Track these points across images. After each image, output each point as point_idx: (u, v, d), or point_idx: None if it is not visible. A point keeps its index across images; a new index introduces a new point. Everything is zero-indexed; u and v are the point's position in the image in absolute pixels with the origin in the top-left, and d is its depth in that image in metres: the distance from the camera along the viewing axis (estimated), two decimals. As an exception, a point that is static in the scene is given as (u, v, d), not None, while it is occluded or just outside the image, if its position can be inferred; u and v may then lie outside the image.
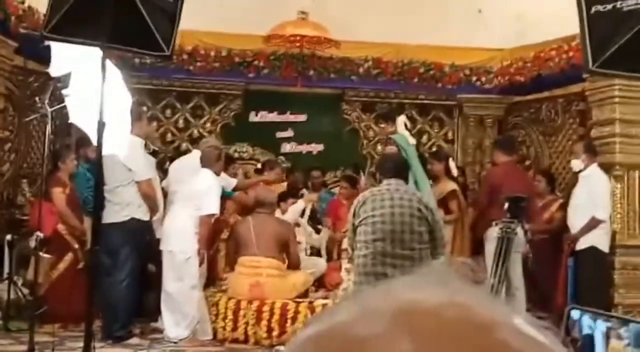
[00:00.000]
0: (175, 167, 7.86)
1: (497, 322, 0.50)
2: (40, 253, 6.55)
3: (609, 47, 5.01)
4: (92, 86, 4.93)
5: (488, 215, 7.63)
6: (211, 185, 7.09)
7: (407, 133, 7.81)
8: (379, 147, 10.48)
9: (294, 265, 7.55)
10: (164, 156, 9.88)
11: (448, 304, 0.51)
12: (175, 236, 7.02)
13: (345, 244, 8.22)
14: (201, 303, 7.11)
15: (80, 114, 5.57)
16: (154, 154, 8.60)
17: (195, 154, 7.79)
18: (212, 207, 7.09)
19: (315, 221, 9.12)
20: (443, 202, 7.42)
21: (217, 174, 7.33)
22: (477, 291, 0.53)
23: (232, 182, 8.11)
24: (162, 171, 8.53)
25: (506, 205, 4.78)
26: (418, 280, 0.54)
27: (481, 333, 0.49)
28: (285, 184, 9.28)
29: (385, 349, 0.47)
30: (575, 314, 1.40)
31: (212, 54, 10.08)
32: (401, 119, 7.95)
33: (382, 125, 8.16)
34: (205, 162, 7.28)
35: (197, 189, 7.03)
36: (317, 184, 9.71)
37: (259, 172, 9.27)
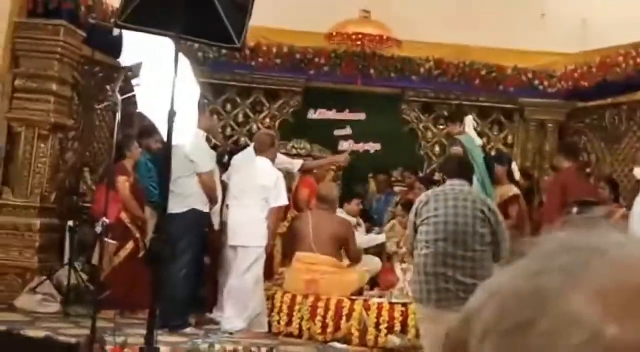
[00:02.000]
0: (236, 161, 7.91)
1: None
2: (106, 239, 6.65)
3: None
4: (163, 76, 4.99)
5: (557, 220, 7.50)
6: (277, 177, 7.14)
7: (474, 133, 7.75)
8: (437, 149, 10.43)
9: (356, 260, 7.55)
10: (222, 150, 9.95)
11: None
12: (247, 231, 7.04)
13: (391, 247, 8.19)
14: (261, 296, 7.15)
15: (149, 104, 5.65)
16: (213, 147, 8.66)
17: (252, 148, 7.83)
18: (282, 198, 7.16)
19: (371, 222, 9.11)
20: (503, 207, 7.32)
21: (272, 160, 7.35)
22: None
23: (297, 163, 8.17)
24: (221, 165, 8.60)
25: (575, 209, 4.71)
26: None
27: None
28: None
29: None
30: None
31: (274, 50, 10.14)
32: (469, 119, 7.89)
33: (445, 126, 8.09)
34: (259, 148, 7.30)
35: (263, 183, 7.06)
36: (382, 186, 9.70)
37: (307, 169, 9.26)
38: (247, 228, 7.03)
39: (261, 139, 7.44)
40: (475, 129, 7.81)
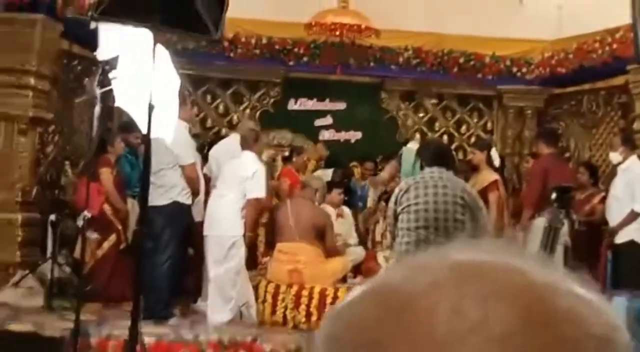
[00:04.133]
0: (216, 152, 7.93)
1: (555, 288, 0.50)
2: (88, 232, 6.65)
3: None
4: (141, 69, 4.99)
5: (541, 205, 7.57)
6: (256, 169, 7.13)
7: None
8: (417, 136, 10.49)
9: (332, 253, 7.57)
10: (203, 141, 9.96)
11: (504, 266, 0.51)
12: (222, 220, 7.06)
13: (379, 236, 8.26)
14: (248, 287, 7.17)
15: (127, 97, 5.64)
16: (193, 138, 8.67)
17: (234, 137, 7.83)
18: (259, 190, 7.13)
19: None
20: (483, 193, 7.39)
21: (257, 155, 7.38)
22: (533, 258, 0.53)
23: None
24: (202, 156, 8.61)
25: (554, 195, 4.77)
26: (472, 245, 0.55)
27: (539, 298, 0.48)
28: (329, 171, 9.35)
29: (437, 301, 0.48)
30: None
31: (253, 41, 10.14)
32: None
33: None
34: (244, 145, 7.33)
35: (242, 173, 7.07)
36: (367, 175, 9.73)
37: (287, 159, 9.29)
38: (222, 218, 7.05)
39: (245, 136, 7.46)
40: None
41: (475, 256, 0.53)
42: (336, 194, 8.47)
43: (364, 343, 0.49)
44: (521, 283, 0.50)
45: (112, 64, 5.89)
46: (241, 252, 7.05)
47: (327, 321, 0.53)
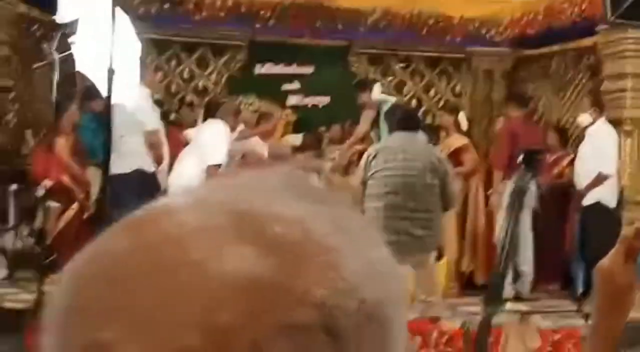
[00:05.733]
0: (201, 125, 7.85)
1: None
2: (48, 202, 6.51)
3: (628, -2, 4.92)
4: (101, 34, 4.84)
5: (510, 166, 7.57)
6: (219, 135, 7.01)
7: (384, 96, 7.98)
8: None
9: None
10: (169, 107, 9.79)
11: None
12: (180, 186, 6.97)
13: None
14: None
15: (88, 62, 5.50)
16: (157, 104, 8.51)
17: None
18: (218, 157, 7.01)
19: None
20: (453, 156, 7.35)
21: (231, 129, 7.26)
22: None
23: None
24: (167, 122, 8.46)
25: (521, 157, 4.72)
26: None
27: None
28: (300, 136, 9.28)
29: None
30: None
31: (218, 3, 9.92)
32: (377, 87, 8.10)
33: (360, 93, 8.20)
34: (221, 113, 7.21)
35: (203, 139, 6.96)
36: (336, 139, 9.62)
37: (255, 125, 9.16)
38: (180, 185, 6.96)
39: (226, 106, 7.40)
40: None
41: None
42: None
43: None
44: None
45: (71, 27, 5.74)
46: None
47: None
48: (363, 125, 7.66)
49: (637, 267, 1.34)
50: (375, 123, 8.13)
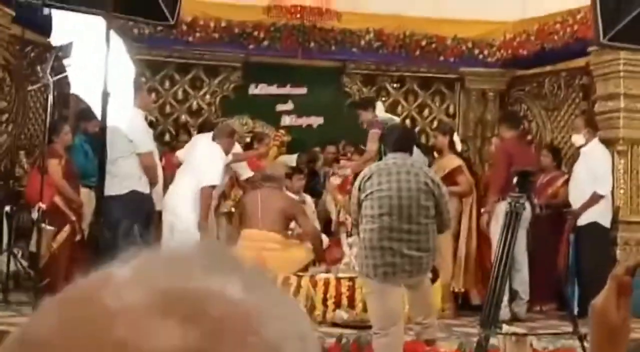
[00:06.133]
0: (193, 141, 7.83)
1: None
2: (43, 225, 6.48)
3: (620, 19, 4.94)
4: (95, 56, 4.85)
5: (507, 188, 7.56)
6: (214, 156, 7.02)
7: (387, 115, 7.91)
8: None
9: (312, 236, 7.50)
10: (163, 128, 9.80)
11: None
12: (174, 207, 6.98)
13: (342, 217, 8.19)
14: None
15: (82, 84, 5.50)
16: (151, 125, 8.51)
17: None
18: (213, 178, 7.02)
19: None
20: (448, 177, 7.35)
21: (226, 152, 7.25)
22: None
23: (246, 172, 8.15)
24: (161, 143, 8.46)
25: (515, 179, 4.72)
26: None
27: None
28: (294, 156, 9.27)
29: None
30: None
31: (212, 24, 9.96)
32: (379, 105, 8.05)
33: (360, 112, 8.13)
34: (216, 135, 7.22)
35: (199, 160, 6.97)
36: (330, 160, 9.63)
37: (249, 146, 9.16)
38: (176, 205, 6.97)
39: (221, 128, 7.42)
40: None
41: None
42: (296, 180, 8.38)
43: None
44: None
45: (66, 50, 5.74)
46: (193, 240, 6.93)
47: None
48: (372, 144, 7.63)
49: (630, 303, 1.37)
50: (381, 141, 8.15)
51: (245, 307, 0.49)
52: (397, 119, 8.24)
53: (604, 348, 1.39)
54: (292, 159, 9.41)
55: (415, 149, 7.61)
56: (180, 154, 7.65)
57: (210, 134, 7.76)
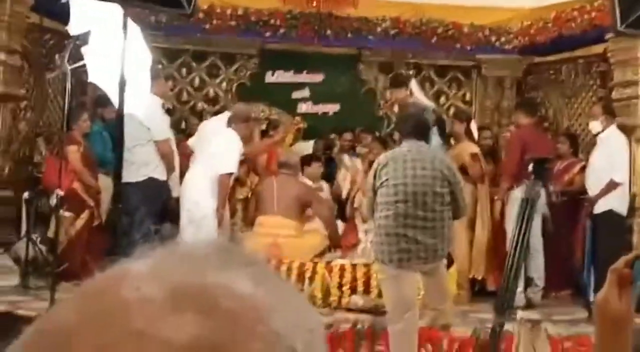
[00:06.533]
0: (202, 127, 7.83)
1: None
2: (61, 211, 6.55)
3: (637, 7, 4.92)
4: (113, 44, 4.88)
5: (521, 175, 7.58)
6: (231, 143, 7.04)
7: (423, 97, 7.77)
8: (395, 108, 10.39)
9: (328, 223, 7.52)
10: (180, 116, 9.84)
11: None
12: (192, 195, 7.00)
13: (357, 203, 8.22)
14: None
15: (100, 72, 5.54)
16: (168, 112, 8.56)
17: (224, 115, 7.78)
18: (231, 166, 7.04)
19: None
20: (462, 165, 7.35)
21: (242, 137, 7.25)
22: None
23: None
24: (178, 131, 8.50)
25: (530, 166, 4.71)
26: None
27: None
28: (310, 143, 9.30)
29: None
30: None
31: (228, 12, 9.98)
32: (414, 83, 7.88)
33: (391, 92, 8.02)
34: (233, 120, 7.23)
35: (217, 148, 6.99)
36: (346, 147, 9.64)
37: (264, 133, 9.20)
38: (193, 193, 6.99)
39: (237, 112, 7.39)
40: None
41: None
42: (315, 167, 8.39)
43: None
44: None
45: (83, 38, 5.77)
46: (213, 228, 6.96)
47: None
48: None
49: (634, 296, 1.40)
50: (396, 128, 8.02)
51: (254, 301, 0.52)
52: (431, 104, 8.02)
53: (608, 340, 1.41)
54: (308, 146, 9.43)
55: (435, 136, 7.60)
56: (191, 142, 7.66)
57: (218, 118, 7.77)
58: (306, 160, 8.33)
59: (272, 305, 0.53)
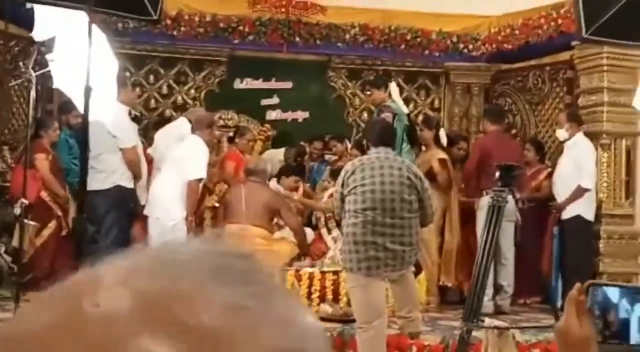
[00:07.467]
0: (162, 134, 7.78)
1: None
2: (26, 220, 6.45)
3: (602, 14, 4.96)
4: (78, 51, 4.82)
5: (477, 184, 7.64)
6: (198, 149, 7.00)
7: (400, 101, 7.80)
8: (365, 115, 10.40)
9: (296, 231, 7.49)
10: (148, 123, 9.76)
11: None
12: (161, 202, 6.95)
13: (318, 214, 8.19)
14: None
15: (65, 79, 5.47)
16: (135, 120, 8.48)
17: (182, 120, 7.73)
18: (199, 171, 7.01)
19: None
20: (430, 172, 7.37)
21: (207, 143, 7.23)
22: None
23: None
24: (146, 138, 8.43)
25: (497, 173, 4.73)
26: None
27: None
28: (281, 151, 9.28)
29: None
30: (612, 293, 1.28)
31: (197, 19, 9.93)
32: (394, 86, 7.92)
33: (370, 92, 8.08)
34: (196, 126, 7.20)
35: (183, 154, 6.95)
36: (316, 155, 9.62)
37: (231, 140, 9.16)
38: (162, 200, 6.94)
39: (200, 118, 7.36)
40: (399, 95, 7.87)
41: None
42: (292, 181, 8.31)
43: None
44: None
45: (49, 44, 5.70)
46: (182, 235, 6.91)
47: None
48: None
49: (592, 322, 1.46)
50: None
51: (238, 316, 0.46)
52: (406, 110, 8.12)
53: None
54: (279, 154, 9.40)
55: (405, 142, 7.63)
56: (151, 151, 7.63)
57: (172, 126, 7.75)
58: (285, 172, 8.31)
59: (259, 319, 0.47)
